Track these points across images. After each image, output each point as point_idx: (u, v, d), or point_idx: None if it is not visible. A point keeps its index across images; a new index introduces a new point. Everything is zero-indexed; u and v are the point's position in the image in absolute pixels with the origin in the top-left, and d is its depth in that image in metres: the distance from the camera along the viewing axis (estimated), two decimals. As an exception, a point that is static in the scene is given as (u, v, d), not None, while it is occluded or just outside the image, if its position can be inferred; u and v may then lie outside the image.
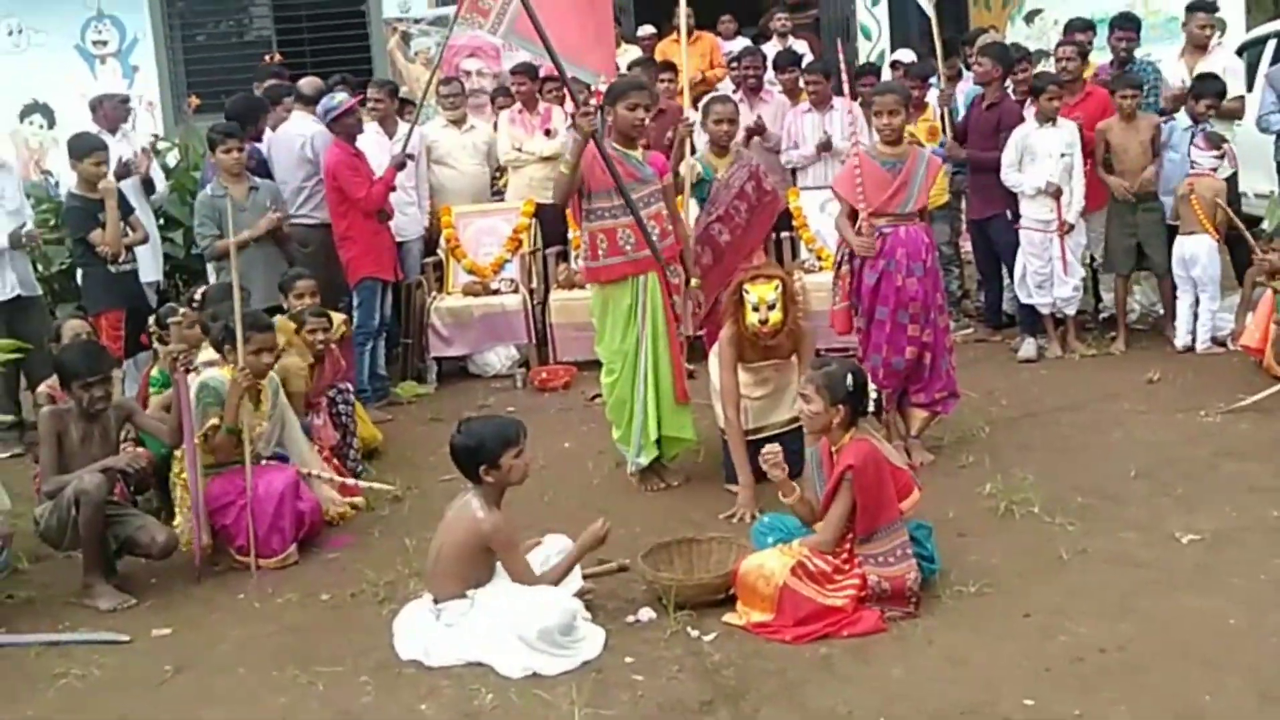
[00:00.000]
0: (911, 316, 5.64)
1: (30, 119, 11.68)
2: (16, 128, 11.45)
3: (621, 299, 5.54)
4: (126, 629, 4.57)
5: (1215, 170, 7.28)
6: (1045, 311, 7.48)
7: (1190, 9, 8.14)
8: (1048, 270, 7.35)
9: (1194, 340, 7.31)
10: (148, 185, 7.93)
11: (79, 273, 7.30)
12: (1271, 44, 9.79)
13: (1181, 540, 4.65)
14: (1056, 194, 7.22)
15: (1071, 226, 7.30)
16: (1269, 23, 10.89)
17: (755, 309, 5.14)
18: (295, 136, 7.32)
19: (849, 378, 4.27)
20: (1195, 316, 7.33)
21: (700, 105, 5.83)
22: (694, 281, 5.69)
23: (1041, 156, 7.25)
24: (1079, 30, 8.11)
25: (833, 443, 4.32)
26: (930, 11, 7.93)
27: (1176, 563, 4.48)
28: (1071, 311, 7.52)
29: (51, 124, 11.15)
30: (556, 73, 6.26)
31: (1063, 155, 7.24)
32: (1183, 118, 7.62)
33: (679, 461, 5.92)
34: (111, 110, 8.20)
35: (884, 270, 5.63)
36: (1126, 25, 7.98)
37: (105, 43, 11.94)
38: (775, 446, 4.50)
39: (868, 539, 4.19)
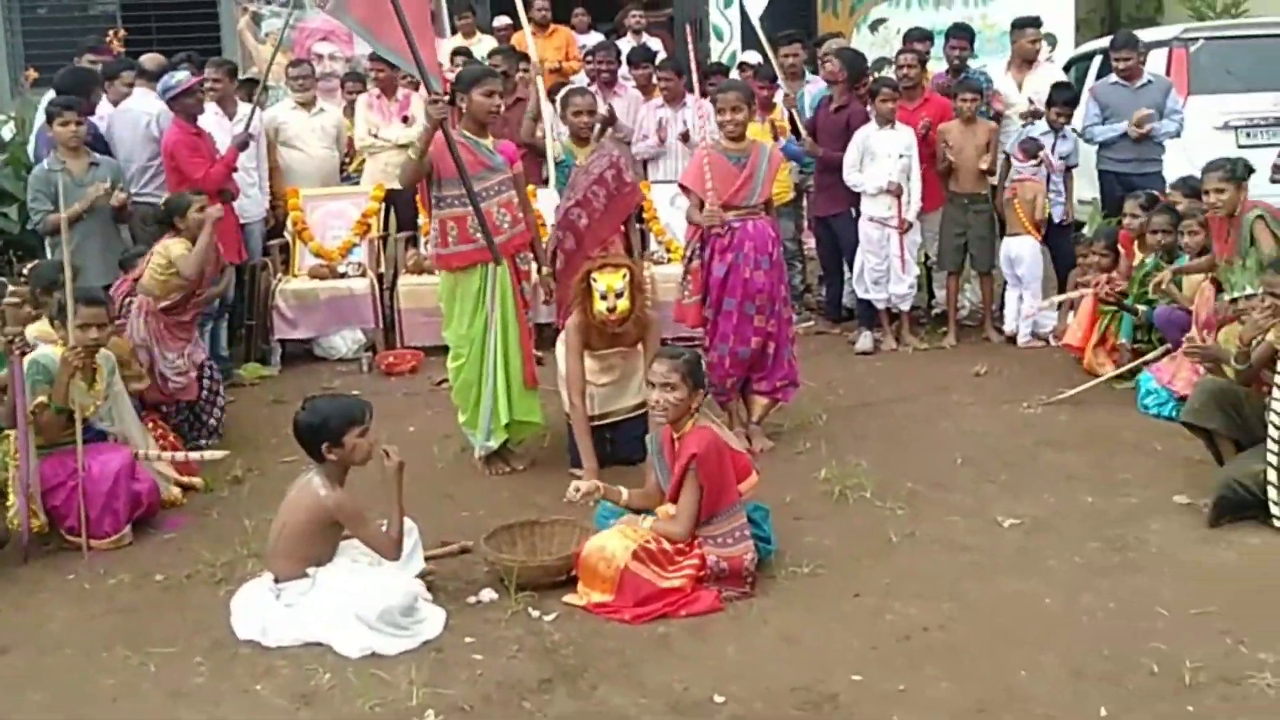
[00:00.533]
0: (758, 308, 5.72)
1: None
2: None
3: (470, 285, 5.47)
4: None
5: (1034, 176, 7.61)
6: (881, 306, 7.67)
7: (1017, 25, 8.48)
8: (884, 267, 7.53)
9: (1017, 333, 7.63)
10: None
11: None
12: (1097, 60, 10.23)
13: (1003, 525, 4.81)
14: (897, 193, 7.39)
15: (910, 225, 7.50)
16: (1095, 40, 11.38)
17: (603, 297, 5.14)
18: (140, 114, 7.04)
19: (700, 363, 4.32)
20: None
21: (558, 97, 5.77)
22: (544, 270, 5.66)
23: (881, 157, 7.42)
24: (917, 40, 8.31)
25: (676, 430, 4.34)
26: (756, 21, 8.02)
27: (998, 546, 4.63)
28: (906, 307, 7.73)
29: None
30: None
31: (900, 156, 7.42)
32: (1040, 125, 7.85)
33: (524, 446, 5.89)
34: None
35: (732, 263, 5.68)
36: (961, 35, 8.24)
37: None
38: (585, 485, 4.47)
39: (708, 521, 4.24)
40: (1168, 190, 7.55)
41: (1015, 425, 6.11)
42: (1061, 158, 7.76)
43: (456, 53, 9.11)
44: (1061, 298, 7.51)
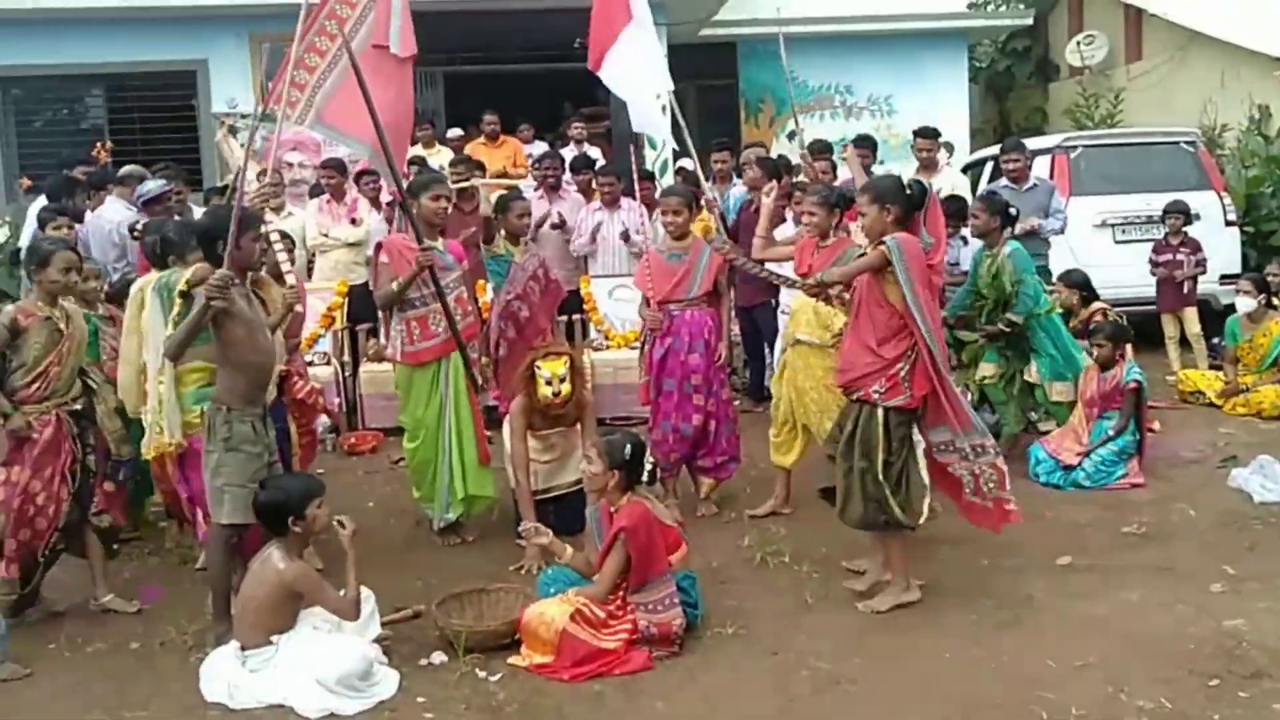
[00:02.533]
0: (695, 388, 5.83)
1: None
2: None
3: (425, 375, 5.56)
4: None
5: None
6: None
7: (914, 134, 8.76)
8: None
9: None
10: None
11: None
12: (989, 165, 10.61)
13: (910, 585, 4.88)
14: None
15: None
16: (988, 148, 11.80)
17: (548, 382, 5.24)
18: (107, 221, 7.10)
19: (627, 447, 4.41)
20: None
21: (497, 202, 5.92)
22: (484, 359, 5.78)
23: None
24: (820, 151, 8.48)
25: (611, 504, 4.44)
26: (661, 140, 8.17)
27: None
28: None
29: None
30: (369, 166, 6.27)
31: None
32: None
33: (474, 519, 5.91)
34: None
35: (670, 347, 5.82)
36: (863, 144, 8.45)
37: (-66, 123, 11.38)
38: (531, 525, 4.62)
39: (639, 589, 4.30)
40: (1053, 282, 7.80)
41: (920, 494, 6.24)
42: (951, 263, 7.91)
43: (413, 161, 9.26)
44: None
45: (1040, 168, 9.80)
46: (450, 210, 5.77)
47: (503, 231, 6.12)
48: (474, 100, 11.21)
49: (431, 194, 5.52)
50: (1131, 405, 6.34)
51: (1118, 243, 9.58)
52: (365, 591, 4.38)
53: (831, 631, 4.48)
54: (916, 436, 4.60)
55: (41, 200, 7.14)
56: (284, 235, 5.52)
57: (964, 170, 10.60)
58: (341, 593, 4.21)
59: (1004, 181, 8.32)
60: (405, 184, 5.62)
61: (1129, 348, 6.66)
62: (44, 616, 4.90)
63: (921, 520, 4.64)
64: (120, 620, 4.84)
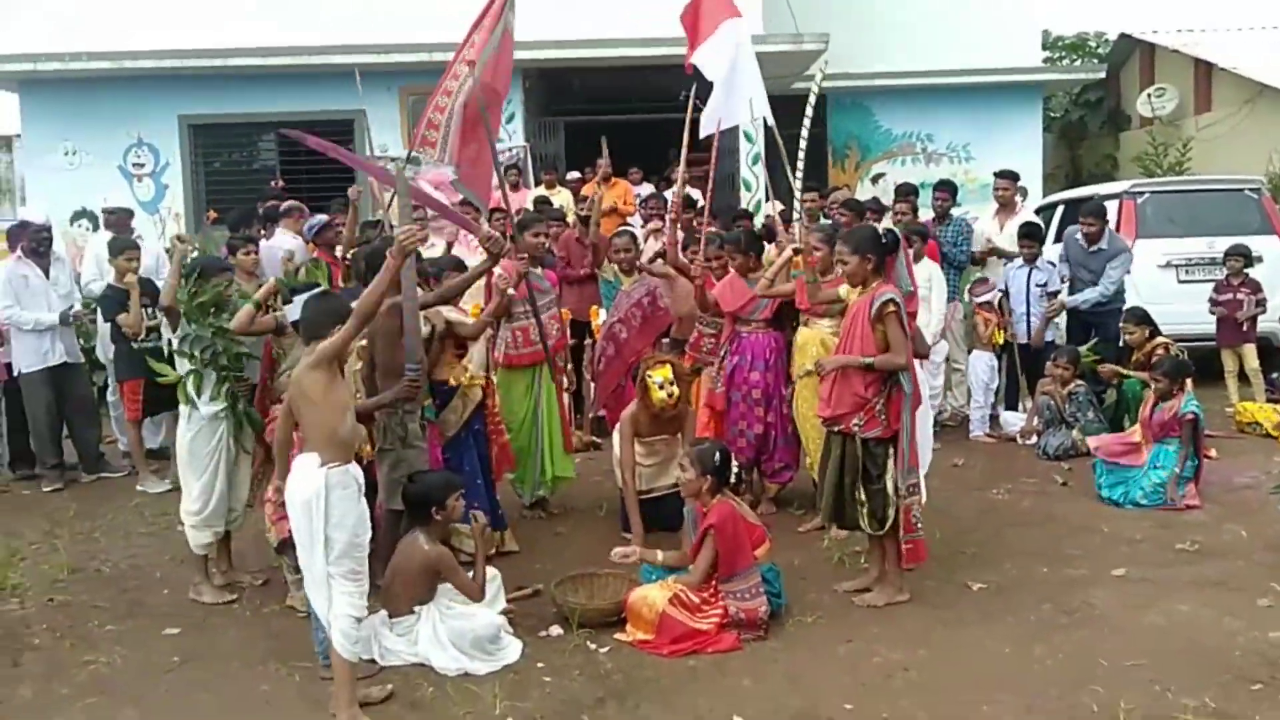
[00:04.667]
0: (754, 401, 5.96)
1: (79, 222, 11.79)
2: (67, 229, 11.50)
3: (522, 378, 5.98)
4: (143, 635, 4.65)
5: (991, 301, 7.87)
6: None
7: (995, 175, 8.76)
8: None
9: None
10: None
11: (111, 348, 7.29)
12: (1060, 208, 10.55)
13: (971, 588, 4.97)
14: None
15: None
16: (1060, 192, 11.71)
17: (661, 387, 5.41)
18: (276, 248, 7.46)
19: (716, 455, 4.58)
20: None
21: (517, 223, 6.12)
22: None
23: None
24: (907, 193, 8.56)
25: (703, 505, 4.61)
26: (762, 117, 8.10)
27: (965, 605, 4.79)
28: None
29: (95, 228, 11.16)
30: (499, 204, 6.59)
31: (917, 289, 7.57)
32: (1016, 261, 8.08)
33: (558, 499, 6.32)
34: (116, 220, 8.32)
35: (736, 364, 5.99)
36: (944, 189, 8.50)
37: (142, 165, 12.09)
38: (619, 551, 4.74)
39: (728, 579, 4.46)
40: (1122, 322, 7.76)
41: (985, 508, 6.27)
42: (1039, 285, 7.94)
43: (539, 201, 9.59)
44: None
45: (1109, 211, 9.73)
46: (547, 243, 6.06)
47: (608, 259, 6.39)
48: (591, 146, 11.53)
49: (532, 231, 5.88)
50: (1190, 435, 6.28)
51: (1181, 282, 9.41)
52: (492, 571, 4.63)
53: (901, 626, 4.56)
54: (891, 462, 4.70)
55: (224, 230, 7.59)
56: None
57: (1037, 212, 10.51)
58: (471, 575, 4.45)
59: (1079, 236, 8.19)
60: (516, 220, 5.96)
61: (1189, 381, 6.60)
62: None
63: (884, 529, 4.73)
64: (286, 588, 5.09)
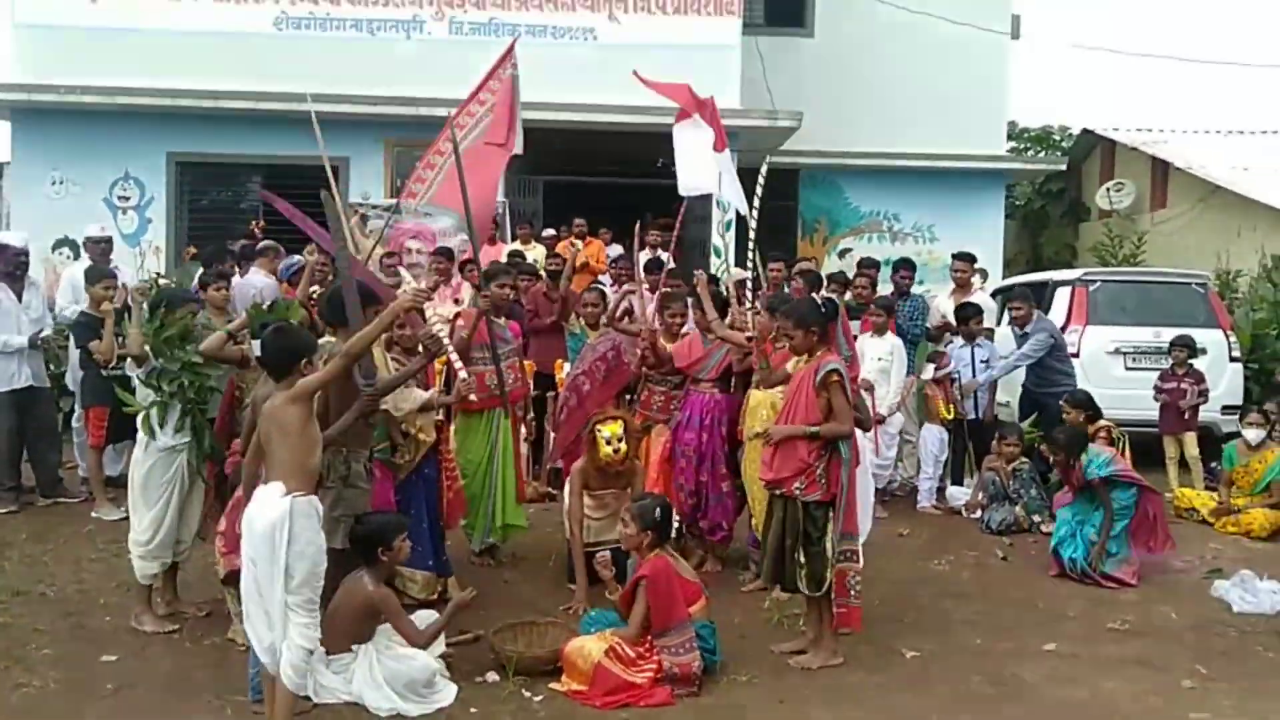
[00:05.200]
0: (689, 458, 6.00)
1: (60, 250, 11.74)
2: (47, 255, 11.46)
3: (479, 423, 5.98)
4: (81, 660, 4.60)
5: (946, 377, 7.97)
6: None
7: (953, 256, 8.96)
8: None
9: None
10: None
11: (80, 374, 7.22)
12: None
13: (905, 655, 4.98)
14: (869, 389, 7.26)
15: (882, 418, 7.51)
16: (1019, 276, 11.93)
17: (609, 442, 5.44)
18: (249, 286, 7.47)
19: (657, 510, 4.60)
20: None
21: (483, 274, 6.17)
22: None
23: (868, 358, 7.51)
24: (868, 266, 8.72)
25: (641, 557, 4.62)
26: (738, 205, 8.06)
27: (899, 671, 4.80)
28: (879, 485, 7.51)
29: (76, 256, 11.13)
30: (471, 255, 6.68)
31: (879, 359, 7.57)
32: (959, 339, 8.20)
33: (509, 548, 6.32)
34: (95, 248, 8.29)
35: (679, 421, 6.07)
36: (905, 267, 8.66)
37: (128, 198, 12.10)
38: (606, 554, 4.78)
39: (662, 634, 4.45)
40: (1061, 402, 7.86)
41: (925, 577, 6.29)
42: (982, 361, 8.05)
43: (513, 254, 9.67)
44: None
45: (1061, 298, 9.92)
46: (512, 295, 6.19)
47: (575, 314, 6.46)
48: (568, 205, 11.69)
49: (499, 282, 5.96)
50: (1105, 494, 6.37)
51: (1128, 369, 9.56)
52: (430, 613, 4.60)
53: (833, 688, 4.55)
54: (830, 525, 4.73)
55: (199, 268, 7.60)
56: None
57: (993, 295, 10.70)
58: (422, 627, 4.44)
59: (1007, 321, 8.37)
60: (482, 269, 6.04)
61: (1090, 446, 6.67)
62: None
63: (821, 591, 4.74)
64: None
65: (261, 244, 8.36)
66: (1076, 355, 9.39)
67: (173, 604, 5.12)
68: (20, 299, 7.27)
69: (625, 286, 8.65)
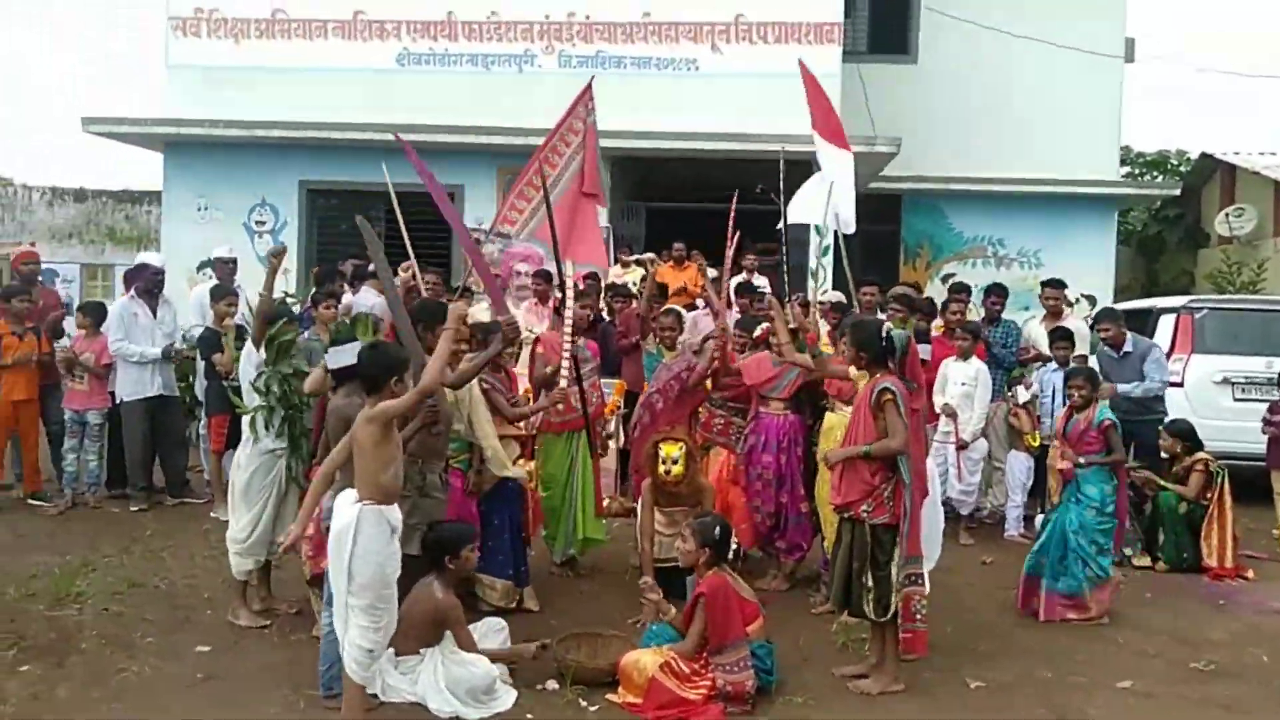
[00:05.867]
0: (767, 481, 5.94)
1: (204, 270, 12.42)
2: (193, 275, 12.14)
3: (561, 442, 6.08)
4: (179, 649, 4.82)
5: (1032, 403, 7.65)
6: None
7: (1042, 284, 8.62)
8: (941, 472, 7.21)
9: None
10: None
11: (204, 384, 7.61)
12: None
13: (970, 685, 4.79)
14: (951, 414, 7.29)
15: (964, 444, 7.35)
16: (1131, 302, 11.41)
17: (662, 462, 5.45)
18: (361, 304, 7.76)
19: (716, 529, 4.56)
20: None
21: (655, 317, 6.21)
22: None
23: (952, 383, 7.39)
24: (959, 291, 8.41)
25: (699, 576, 4.58)
26: (845, 230, 7.73)
27: (960, 701, 4.62)
28: (964, 511, 7.52)
29: (219, 277, 11.77)
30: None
31: (963, 384, 7.37)
32: (1051, 365, 7.79)
33: (587, 560, 6.40)
34: (223, 268, 8.73)
35: (753, 445, 6.01)
36: (996, 292, 8.37)
37: (264, 222, 12.72)
38: (648, 580, 4.80)
39: (718, 651, 4.41)
40: (1161, 429, 7.48)
41: (1004, 606, 6.03)
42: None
43: (589, 276, 9.79)
44: None
45: (1166, 326, 9.44)
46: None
47: (653, 334, 6.52)
48: (670, 231, 11.73)
49: (580, 303, 6.04)
50: (1108, 446, 5.96)
51: (1236, 400, 9.03)
52: (499, 621, 4.67)
53: (889, 715, 4.42)
54: (897, 549, 4.59)
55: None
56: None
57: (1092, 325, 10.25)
58: (492, 633, 4.57)
59: (1105, 348, 7.97)
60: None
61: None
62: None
63: (888, 616, 4.61)
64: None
65: (374, 267, 8.65)
66: (1180, 384, 8.94)
67: (267, 600, 5.34)
68: (155, 315, 7.73)
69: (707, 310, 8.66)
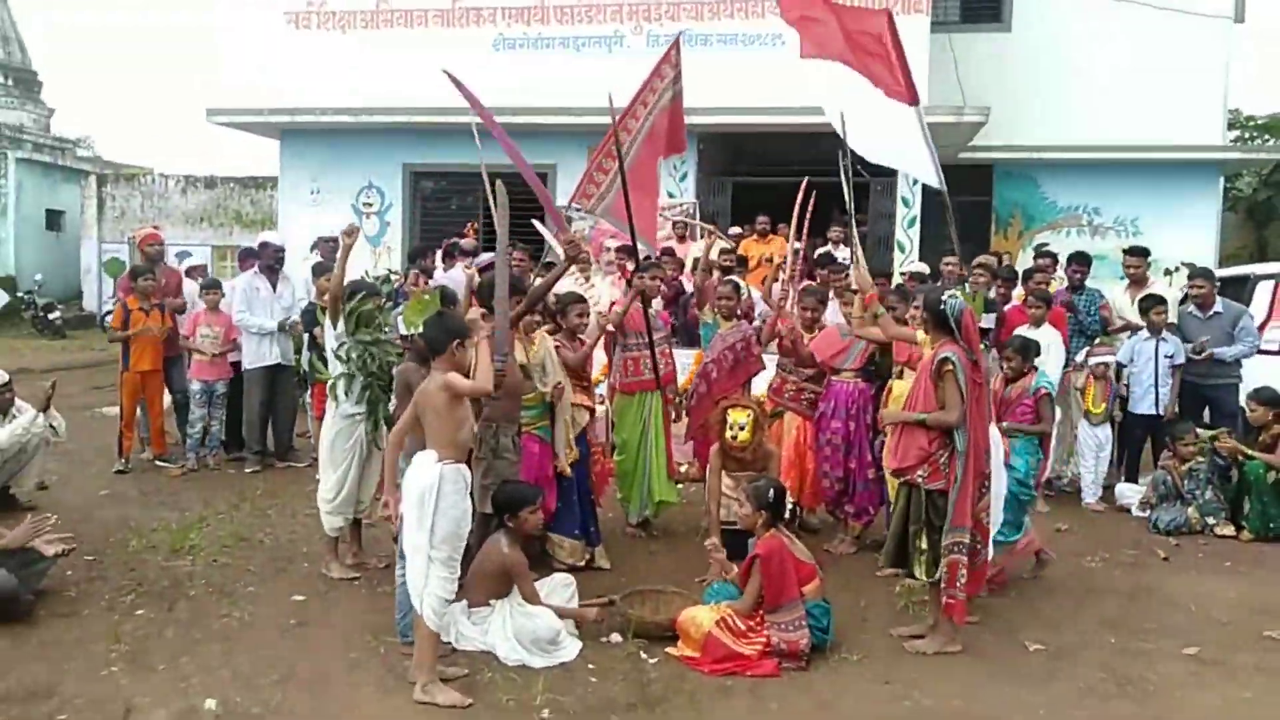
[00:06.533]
0: (836, 446, 5.95)
1: (316, 250, 12.95)
2: (308, 254, 12.65)
3: (633, 404, 6.15)
4: (276, 598, 5.10)
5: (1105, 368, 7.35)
6: None
7: (1124, 252, 8.30)
8: None
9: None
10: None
11: (308, 356, 7.90)
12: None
13: (1029, 648, 4.72)
14: None
15: None
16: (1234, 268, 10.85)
17: (729, 428, 5.46)
18: (451, 280, 7.90)
19: (771, 491, 4.58)
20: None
21: (557, 303, 6.01)
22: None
23: None
24: (1045, 258, 8.24)
25: (757, 537, 4.62)
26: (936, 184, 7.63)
27: (1017, 663, 4.55)
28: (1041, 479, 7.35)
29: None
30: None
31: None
32: (1143, 332, 7.54)
33: (660, 522, 6.47)
34: (325, 247, 9.05)
35: (823, 411, 5.99)
36: (1079, 260, 8.08)
37: (371, 204, 13.19)
38: (714, 541, 4.85)
39: (774, 610, 4.44)
40: (1245, 399, 7.15)
41: (1074, 573, 5.89)
42: (1166, 357, 7.43)
43: (665, 251, 9.85)
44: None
45: (1264, 292, 8.96)
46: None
47: (709, 304, 6.55)
48: (755, 205, 11.66)
49: (650, 274, 6.17)
50: (1044, 413, 5.83)
51: (1337, 368, 8.51)
52: (568, 578, 4.80)
53: (944, 675, 4.38)
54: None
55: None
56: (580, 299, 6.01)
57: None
58: (560, 590, 4.73)
59: (1190, 307, 7.67)
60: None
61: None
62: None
63: (936, 577, 4.57)
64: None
65: (463, 243, 8.90)
66: (1278, 353, 8.50)
67: (359, 555, 5.59)
68: (275, 289, 8.11)
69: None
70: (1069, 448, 7.74)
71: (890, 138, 6.22)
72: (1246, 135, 18.33)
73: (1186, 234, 12.66)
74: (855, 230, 6.01)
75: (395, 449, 4.20)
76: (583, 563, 5.58)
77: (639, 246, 6.34)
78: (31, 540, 4.77)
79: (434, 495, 3.97)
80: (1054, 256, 8.35)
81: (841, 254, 10.03)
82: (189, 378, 8.15)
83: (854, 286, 5.70)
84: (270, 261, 8.13)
